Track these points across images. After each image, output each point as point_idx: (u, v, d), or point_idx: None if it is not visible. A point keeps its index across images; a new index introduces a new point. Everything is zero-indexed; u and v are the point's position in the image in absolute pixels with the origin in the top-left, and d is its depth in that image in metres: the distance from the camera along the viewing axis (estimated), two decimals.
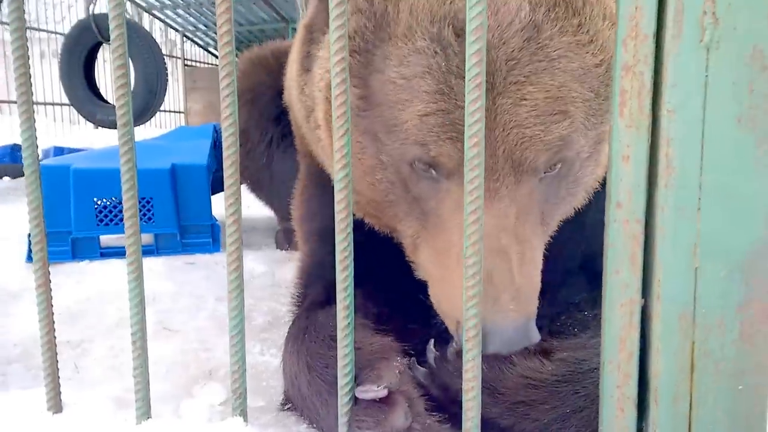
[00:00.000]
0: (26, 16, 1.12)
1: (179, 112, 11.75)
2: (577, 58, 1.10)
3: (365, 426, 0.96)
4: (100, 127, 7.73)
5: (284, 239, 3.02)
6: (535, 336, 1.09)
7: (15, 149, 6.04)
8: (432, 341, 1.17)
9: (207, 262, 2.76)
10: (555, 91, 1.08)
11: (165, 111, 11.30)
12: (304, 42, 1.43)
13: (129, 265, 1.09)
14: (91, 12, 6.50)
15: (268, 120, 2.82)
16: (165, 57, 7.19)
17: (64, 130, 10.12)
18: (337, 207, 0.96)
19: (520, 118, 1.07)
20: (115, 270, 2.57)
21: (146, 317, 1.12)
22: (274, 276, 2.53)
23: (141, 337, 1.10)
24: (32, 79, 1.14)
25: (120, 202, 2.83)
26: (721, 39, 0.71)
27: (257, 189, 3.17)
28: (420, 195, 1.19)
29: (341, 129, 0.94)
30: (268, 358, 1.65)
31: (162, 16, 10.04)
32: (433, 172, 1.16)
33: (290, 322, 1.45)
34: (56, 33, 9.69)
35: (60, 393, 1.18)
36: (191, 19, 10.09)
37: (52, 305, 1.15)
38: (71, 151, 4.13)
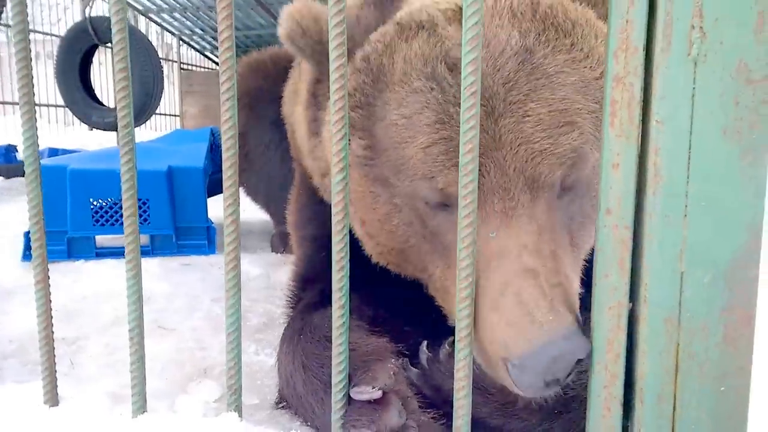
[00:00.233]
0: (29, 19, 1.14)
1: (175, 116, 11.74)
2: (575, 73, 1.11)
3: (360, 425, 0.98)
4: (94, 129, 7.73)
5: (279, 243, 3.04)
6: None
7: (9, 150, 6.03)
8: (425, 343, 1.19)
9: (202, 263, 2.78)
10: (558, 104, 1.09)
11: (161, 114, 11.30)
12: (309, 106, 1.47)
13: (128, 263, 1.11)
14: (87, 14, 6.52)
15: (266, 125, 2.85)
16: (161, 60, 7.21)
17: (59, 132, 10.10)
18: (334, 209, 0.98)
19: (525, 134, 1.07)
20: (111, 270, 2.58)
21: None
22: (269, 278, 2.55)
23: (138, 333, 1.12)
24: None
25: (116, 203, 2.85)
26: (708, 53, 0.74)
27: (253, 193, 3.19)
28: (438, 229, 1.17)
29: (339, 134, 0.96)
30: (262, 358, 1.67)
31: (158, 20, 10.06)
32: (444, 201, 1.15)
33: (285, 324, 1.47)
34: (52, 35, 9.68)
35: (57, 387, 1.20)
36: (188, 22, 10.11)
37: (50, 300, 1.17)
38: (65, 152, 4.14)
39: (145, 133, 9.93)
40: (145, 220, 2.84)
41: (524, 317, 0.98)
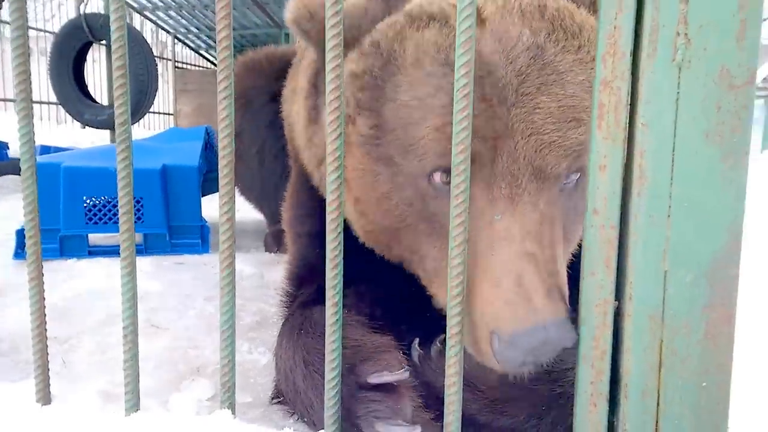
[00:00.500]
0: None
1: (169, 114, 11.72)
2: (583, 73, 1.14)
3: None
4: (87, 127, 7.70)
5: (273, 242, 3.05)
6: (573, 335, 0.98)
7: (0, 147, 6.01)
8: (417, 340, 1.21)
9: (196, 262, 2.78)
10: (567, 101, 1.12)
11: (154, 112, 11.27)
12: (309, 96, 1.49)
13: (123, 260, 1.12)
14: (82, 11, 6.50)
15: (261, 124, 2.86)
16: (156, 58, 7.19)
17: (51, 129, 10.06)
18: (329, 208, 1.00)
19: (536, 125, 1.11)
20: (103, 268, 2.59)
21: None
22: (262, 278, 2.56)
23: (132, 331, 1.13)
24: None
25: (109, 201, 2.85)
26: (692, 59, 0.76)
27: (247, 192, 3.20)
28: (440, 210, 1.19)
29: (334, 133, 0.98)
30: (256, 356, 1.68)
31: (153, 18, 10.03)
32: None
33: (279, 322, 1.48)
34: (45, 31, 9.64)
35: (49, 385, 1.20)
36: (183, 21, 10.08)
37: (44, 298, 1.18)
38: (57, 149, 4.13)
39: (139, 131, 9.91)
40: (139, 218, 2.84)
41: (522, 298, 1.02)
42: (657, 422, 0.83)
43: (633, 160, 0.81)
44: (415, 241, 1.26)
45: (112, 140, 7.19)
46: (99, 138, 8.73)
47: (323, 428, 1.03)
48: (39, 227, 1.19)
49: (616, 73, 0.80)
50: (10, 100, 8.73)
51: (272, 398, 1.33)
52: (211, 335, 1.83)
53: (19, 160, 1.19)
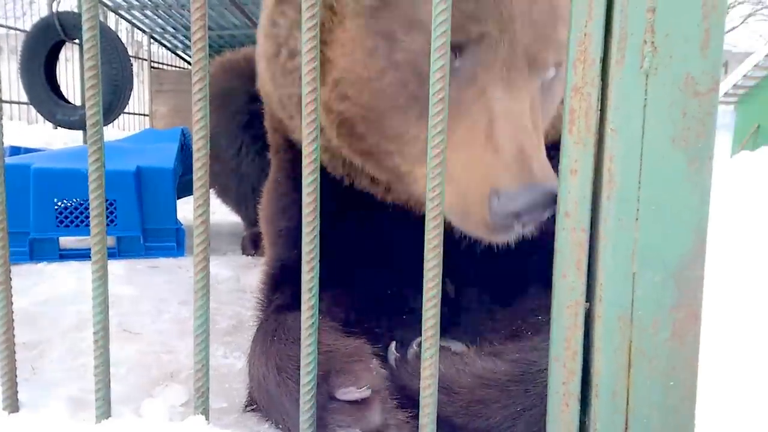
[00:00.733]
0: None
1: (144, 115, 11.56)
2: None
3: (345, 424, 1.00)
4: (59, 128, 7.56)
5: (250, 245, 3.03)
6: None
7: None
8: (393, 343, 1.22)
9: (171, 266, 2.75)
10: (558, 1, 1.24)
11: (130, 113, 11.11)
12: (273, 16, 1.46)
13: (93, 264, 1.11)
14: (54, 9, 6.38)
15: (238, 125, 2.84)
16: (131, 58, 7.09)
17: (21, 129, 9.85)
18: (305, 202, 1.00)
19: (534, 18, 1.20)
20: (74, 272, 2.54)
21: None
22: (239, 281, 2.55)
23: (103, 336, 1.12)
24: None
25: (81, 204, 2.80)
26: (659, 66, 0.78)
27: (224, 194, 3.17)
28: None
29: (310, 123, 0.98)
30: (231, 361, 1.67)
31: (129, 17, 9.89)
32: (456, 61, 1.19)
33: (255, 326, 1.47)
34: (16, 29, 9.45)
35: (17, 392, 1.18)
36: (159, 20, 9.96)
37: (11, 302, 1.15)
38: (28, 150, 4.05)
39: (114, 132, 9.75)
40: (112, 221, 2.80)
41: (523, 162, 1.09)
42: (627, 421, 0.85)
43: (603, 164, 0.82)
44: (402, 126, 1.25)
45: (86, 141, 7.05)
46: (71, 138, 8.57)
47: None
48: (7, 230, 1.17)
49: (587, 80, 0.81)
50: None
51: (246, 405, 1.32)
52: (185, 340, 1.81)
53: None
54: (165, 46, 11.37)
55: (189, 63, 12.13)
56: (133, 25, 10.32)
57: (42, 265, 2.69)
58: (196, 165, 1.03)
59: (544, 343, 1.20)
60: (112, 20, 9.98)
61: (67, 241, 2.93)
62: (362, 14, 1.22)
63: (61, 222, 2.78)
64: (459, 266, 1.63)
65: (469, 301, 1.64)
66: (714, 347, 1.57)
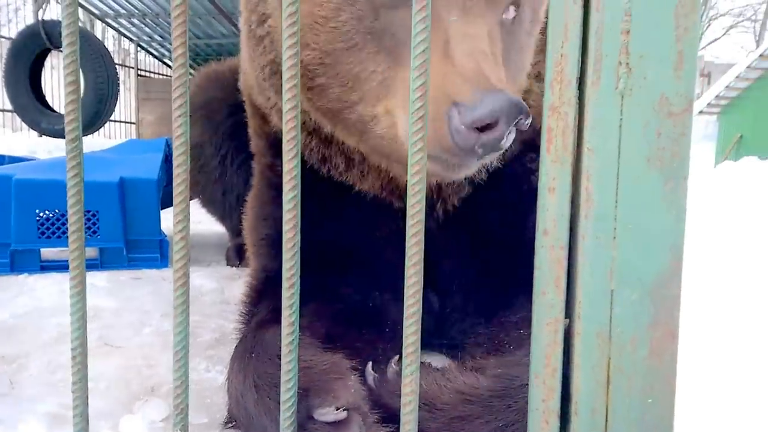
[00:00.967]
0: None
1: (131, 123, 11.50)
2: None
3: None
4: (44, 136, 7.50)
5: (235, 256, 3.02)
6: (526, 109, 1.06)
7: None
8: (370, 364, 1.21)
9: (154, 277, 2.73)
10: None
11: (116, 121, 11.05)
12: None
13: (72, 279, 1.09)
14: (40, 18, 6.35)
15: (223, 136, 2.83)
16: (117, 66, 7.06)
17: (6, 137, 9.76)
18: (286, 218, 1.00)
19: None
20: (56, 284, 2.52)
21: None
22: (223, 293, 2.53)
23: (81, 352, 1.10)
24: None
25: (63, 215, 2.78)
26: (634, 87, 0.79)
27: (209, 204, 3.16)
28: (393, 22, 1.20)
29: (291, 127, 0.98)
30: (213, 375, 1.66)
31: (116, 25, 9.86)
32: None
33: (237, 340, 1.46)
34: (1, 37, 9.37)
35: None
36: (147, 29, 9.94)
37: None
38: (12, 159, 4.00)
39: (99, 140, 9.68)
40: (94, 232, 2.78)
41: (483, 74, 1.08)
42: None
43: (580, 183, 0.83)
44: (359, 64, 1.24)
45: None
46: (56, 146, 8.50)
47: None
48: None
49: (563, 100, 0.82)
50: None
51: (225, 423, 1.31)
52: (167, 353, 1.79)
53: None
54: (152, 54, 11.33)
55: None
56: (120, 33, 10.29)
57: (23, 277, 2.66)
58: (176, 181, 1.03)
59: (526, 357, 1.21)
60: (98, 28, 9.95)
61: (48, 253, 2.90)
62: None
63: (43, 233, 2.76)
64: (442, 276, 1.64)
65: (452, 312, 1.65)
66: (696, 359, 1.58)
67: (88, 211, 2.74)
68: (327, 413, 1.01)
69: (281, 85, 1.41)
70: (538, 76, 1.55)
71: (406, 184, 1.50)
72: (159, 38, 10.32)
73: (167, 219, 3.06)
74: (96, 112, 6.32)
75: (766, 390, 1.42)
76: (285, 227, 1.00)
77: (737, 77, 15.09)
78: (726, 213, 4.06)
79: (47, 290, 2.43)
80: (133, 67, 11.18)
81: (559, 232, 0.86)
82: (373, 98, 1.26)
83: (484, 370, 1.18)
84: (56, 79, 9.44)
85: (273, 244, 1.62)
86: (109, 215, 2.79)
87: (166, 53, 11.20)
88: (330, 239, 1.56)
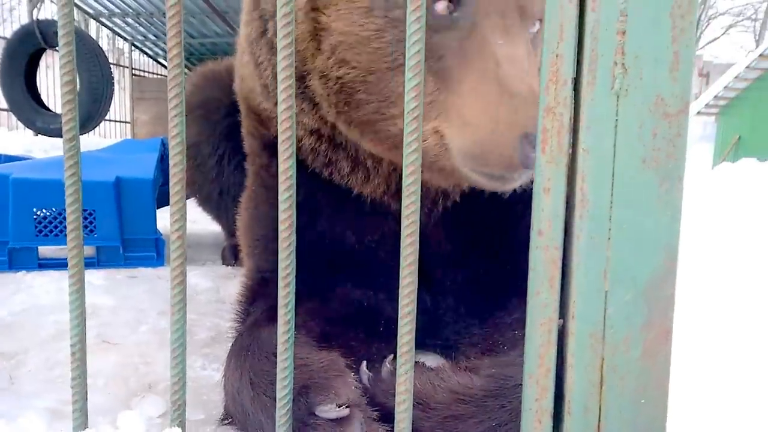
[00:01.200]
0: None
1: (126, 122, 11.48)
2: None
3: None
4: (39, 135, 7.49)
5: (231, 255, 3.02)
6: None
7: None
8: (364, 363, 1.21)
9: (150, 275, 2.73)
10: None
11: (111, 120, 11.03)
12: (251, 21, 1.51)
13: (71, 277, 1.10)
14: (35, 17, 6.33)
15: (220, 135, 2.83)
16: (112, 65, 7.04)
17: (1, 136, 9.74)
18: (281, 218, 1.00)
19: None
20: (53, 281, 2.52)
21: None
22: (218, 292, 2.53)
23: (80, 349, 1.11)
24: None
25: (60, 213, 2.78)
26: (629, 88, 0.80)
27: (205, 203, 3.16)
28: (438, 44, 1.23)
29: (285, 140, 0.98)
30: (209, 373, 1.66)
31: (110, 24, 9.84)
32: (455, 12, 1.23)
33: (233, 339, 1.47)
34: None
35: None
36: (141, 28, 9.92)
37: None
38: (8, 158, 4.00)
39: (95, 139, 9.66)
40: (91, 231, 2.78)
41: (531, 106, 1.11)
42: None
43: (575, 183, 0.83)
44: (399, 87, 1.25)
45: None
46: (51, 145, 8.48)
47: None
48: None
49: (559, 100, 0.82)
50: None
51: (222, 419, 1.32)
52: (163, 351, 1.79)
53: None
54: (146, 53, 11.31)
55: None
56: (115, 32, 10.27)
57: (21, 275, 2.66)
58: (173, 181, 1.03)
59: (520, 358, 1.21)
60: (93, 27, 9.92)
61: (46, 251, 2.90)
62: None
63: (40, 231, 2.76)
64: (437, 276, 1.64)
65: (445, 311, 1.65)
66: (691, 360, 1.59)
67: (85, 210, 2.74)
68: (329, 410, 1.02)
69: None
70: None
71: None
72: (153, 37, 10.31)
73: (163, 218, 3.06)
74: (91, 111, 6.31)
75: (760, 391, 1.43)
76: (281, 227, 1.00)
77: (736, 77, 15.12)
78: (724, 215, 4.08)
79: (45, 288, 2.43)
80: (127, 67, 11.16)
81: (553, 232, 0.87)
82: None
83: (478, 370, 1.18)
84: (51, 78, 9.41)
85: (268, 244, 1.63)
86: (105, 214, 2.79)
87: (161, 52, 11.19)
88: (325, 240, 1.56)
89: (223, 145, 2.85)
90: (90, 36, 7.23)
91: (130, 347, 1.83)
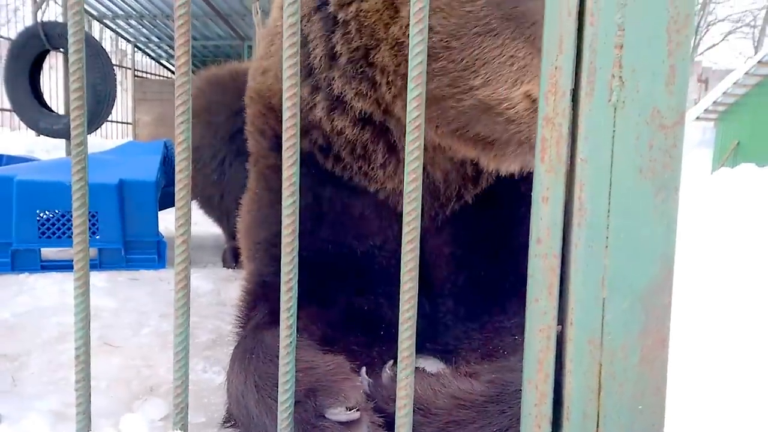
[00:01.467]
0: None
1: (128, 123, 11.50)
2: None
3: None
4: (42, 135, 7.51)
5: (231, 257, 3.04)
6: None
7: None
8: (363, 369, 1.23)
9: (151, 278, 2.75)
10: None
11: (113, 121, 11.05)
12: None
13: (77, 280, 1.11)
14: (39, 19, 6.37)
15: (222, 139, 2.86)
16: (114, 67, 7.07)
17: (4, 136, 9.76)
18: (285, 224, 1.02)
19: None
20: (56, 283, 2.54)
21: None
22: (219, 294, 2.55)
23: (85, 351, 1.12)
24: None
25: (63, 215, 2.80)
26: (626, 100, 0.81)
27: (207, 206, 3.18)
28: (534, 9, 1.19)
29: (290, 130, 1.00)
30: (210, 376, 1.67)
31: (113, 26, 9.87)
32: None
33: (234, 342, 1.48)
34: (0, 37, 9.38)
35: None
36: (144, 30, 9.96)
37: None
38: (11, 158, 4.02)
39: (97, 140, 9.69)
40: (94, 233, 2.80)
41: None
42: None
43: (573, 192, 0.85)
44: (494, 50, 1.23)
45: (68, 149, 7.06)
46: (54, 146, 8.50)
47: None
48: None
49: (557, 111, 0.84)
50: None
51: (224, 422, 1.33)
52: (165, 353, 1.81)
53: None
54: (149, 55, 11.35)
55: (172, 72, 12.12)
56: (118, 34, 10.30)
57: (23, 276, 2.68)
58: (178, 186, 1.05)
59: (520, 363, 1.22)
60: (96, 29, 9.95)
61: (48, 252, 2.92)
62: None
63: (43, 233, 2.77)
64: (435, 278, 1.66)
65: (445, 314, 1.67)
66: (690, 367, 1.60)
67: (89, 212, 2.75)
68: (339, 413, 1.03)
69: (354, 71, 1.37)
70: None
71: (444, 178, 1.51)
72: (156, 39, 10.35)
73: (164, 220, 3.08)
74: (94, 113, 6.33)
75: (757, 397, 1.44)
76: (284, 231, 1.01)
77: (735, 83, 15.15)
78: (723, 220, 4.09)
79: (47, 289, 2.45)
80: (130, 68, 11.20)
81: (552, 240, 0.88)
82: (508, 83, 1.25)
83: (479, 376, 1.19)
84: (54, 80, 9.44)
85: (269, 248, 1.63)
86: (108, 216, 2.81)
87: (163, 54, 11.23)
88: (327, 244, 1.57)
89: (224, 148, 2.88)
90: (94, 38, 7.27)
91: (132, 350, 1.85)
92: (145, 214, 2.90)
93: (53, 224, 2.80)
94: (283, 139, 1.00)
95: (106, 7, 9.00)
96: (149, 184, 2.93)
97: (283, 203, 1.02)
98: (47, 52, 6.55)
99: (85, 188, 1.11)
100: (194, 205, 3.09)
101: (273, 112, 1.72)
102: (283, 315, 1.03)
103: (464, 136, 1.39)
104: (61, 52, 7.15)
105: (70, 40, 1.07)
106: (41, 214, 2.79)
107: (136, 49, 10.97)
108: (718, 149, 16.19)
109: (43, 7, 6.50)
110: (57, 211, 2.81)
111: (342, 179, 1.59)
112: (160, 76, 12.10)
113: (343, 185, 1.59)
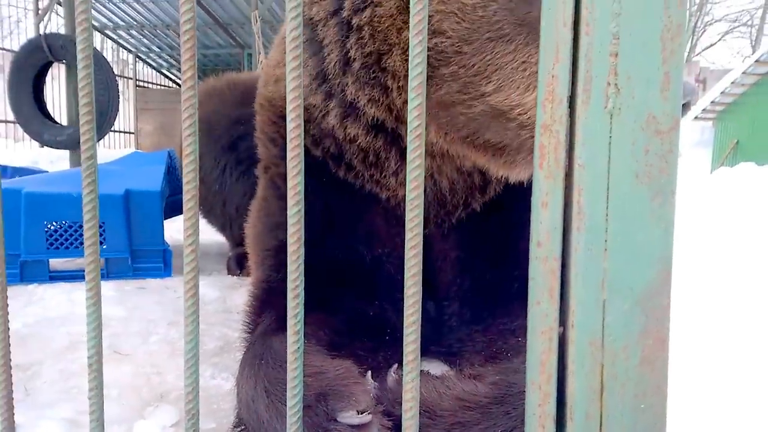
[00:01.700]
0: None
1: (130, 133, 11.56)
2: None
3: None
4: (46, 147, 7.56)
5: (236, 265, 3.06)
6: None
7: None
8: (369, 373, 1.25)
9: (158, 286, 2.78)
10: None
11: (116, 131, 11.11)
12: None
13: (88, 290, 1.13)
14: (42, 31, 6.42)
15: (223, 148, 2.90)
16: (116, 77, 7.12)
17: (8, 148, 9.82)
18: (290, 221, 1.04)
19: None
20: (64, 293, 2.57)
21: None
22: (225, 302, 2.57)
23: (97, 360, 1.14)
24: None
25: (71, 226, 2.83)
26: (622, 106, 0.84)
27: (209, 215, 3.21)
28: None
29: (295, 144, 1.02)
30: (219, 382, 1.70)
31: (115, 36, 9.94)
32: None
33: (242, 349, 1.50)
34: (3, 49, 9.44)
35: (13, 414, 1.20)
36: (145, 40, 10.02)
37: (8, 328, 1.18)
38: (15, 170, 4.07)
39: (100, 151, 9.74)
40: (101, 243, 2.83)
41: None
42: None
43: (572, 197, 0.87)
44: (506, 55, 1.23)
45: (72, 160, 7.10)
46: (57, 157, 8.55)
47: None
48: (3, 254, 1.19)
49: (555, 118, 0.86)
50: None
51: (234, 427, 1.35)
52: (174, 360, 1.83)
53: None
54: (150, 65, 11.41)
55: (174, 82, 12.19)
56: (119, 44, 10.36)
57: (32, 287, 2.72)
58: (186, 197, 1.07)
59: (523, 365, 1.24)
60: (98, 40, 10.02)
61: (55, 263, 2.95)
62: None
63: (51, 244, 2.81)
64: (440, 282, 1.68)
65: (450, 317, 1.69)
66: (691, 366, 1.61)
67: None
68: (351, 417, 1.05)
69: (370, 77, 1.38)
70: None
71: (451, 186, 1.51)
72: (157, 49, 10.42)
73: (169, 228, 3.11)
74: (97, 123, 6.38)
75: (757, 397, 1.46)
76: (290, 240, 1.04)
77: (733, 83, 15.16)
78: (722, 219, 4.10)
79: (56, 299, 2.48)
80: (131, 78, 11.26)
81: (552, 244, 0.90)
82: (521, 88, 1.25)
83: (483, 378, 1.21)
84: (57, 91, 9.50)
85: (279, 255, 1.66)
86: (115, 226, 2.84)
87: (164, 63, 11.29)
88: (336, 252, 1.60)
89: (225, 157, 2.92)
90: (96, 49, 7.31)
91: (141, 357, 1.87)
92: (151, 223, 2.93)
93: (61, 235, 2.83)
94: (288, 149, 1.02)
95: (107, 18, 9.07)
96: (155, 194, 2.96)
97: (288, 212, 1.04)
98: (50, 63, 6.61)
99: (95, 200, 1.13)
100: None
101: (285, 120, 1.73)
102: (290, 321, 1.05)
103: (474, 142, 1.39)
104: (63, 63, 7.21)
105: (79, 55, 1.10)
106: (49, 226, 2.83)
107: (137, 59, 11.03)
108: (716, 149, 16.19)
109: (46, 19, 6.56)
110: (65, 222, 2.84)
111: (353, 187, 1.60)
112: (161, 85, 12.17)
113: (354, 193, 1.61)
